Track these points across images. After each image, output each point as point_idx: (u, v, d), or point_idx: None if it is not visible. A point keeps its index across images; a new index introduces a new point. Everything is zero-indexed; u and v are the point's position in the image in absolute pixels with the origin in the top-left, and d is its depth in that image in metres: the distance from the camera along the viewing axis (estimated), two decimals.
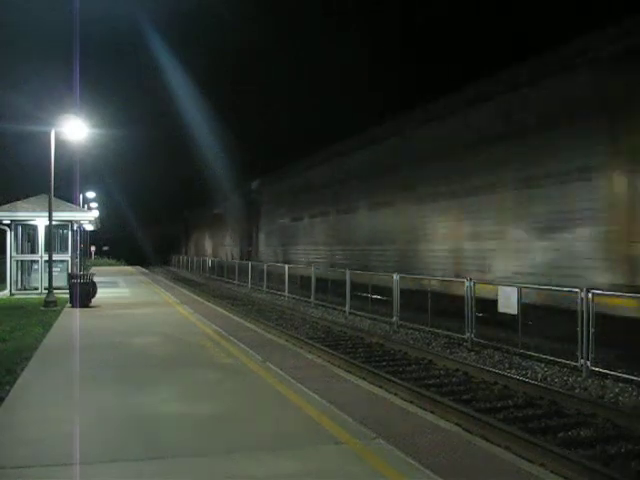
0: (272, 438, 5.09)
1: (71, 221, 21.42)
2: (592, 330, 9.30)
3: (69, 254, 21.48)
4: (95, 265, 46.66)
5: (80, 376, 7.36)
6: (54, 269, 17.68)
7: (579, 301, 9.58)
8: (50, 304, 15.74)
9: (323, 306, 19.45)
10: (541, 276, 11.94)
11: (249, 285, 28.61)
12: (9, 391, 6.71)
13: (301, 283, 22.57)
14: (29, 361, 8.38)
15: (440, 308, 13.45)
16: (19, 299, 18.46)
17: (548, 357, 10.10)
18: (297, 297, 21.95)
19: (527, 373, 9.69)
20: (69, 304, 15.73)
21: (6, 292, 19.77)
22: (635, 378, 8.67)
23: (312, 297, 20.47)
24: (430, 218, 16.31)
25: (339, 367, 9.49)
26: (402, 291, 14.61)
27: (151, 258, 62.67)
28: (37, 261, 20.48)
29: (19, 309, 15.48)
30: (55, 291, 16.49)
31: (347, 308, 17.53)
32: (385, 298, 15.80)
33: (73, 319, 13.26)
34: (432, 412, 6.92)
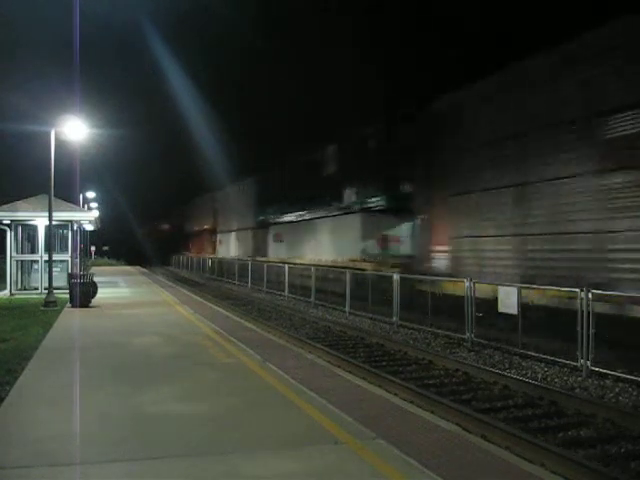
0: (272, 438, 5.09)
1: (71, 221, 21.40)
2: (592, 330, 9.32)
3: (69, 254, 21.47)
4: (95, 265, 46.66)
5: (80, 376, 7.36)
6: (54, 269, 17.67)
7: (579, 301, 9.61)
8: (50, 304, 15.74)
9: (323, 306, 19.46)
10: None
11: (249, 285, 28.72)
12: (9, 391, 6.71)
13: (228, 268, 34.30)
14: (29, 361, 8.38)
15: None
16: (19, 299, 18.45)
17: (548, 357, 10.11)
18: (297, 297, 22.00)
19: (527, 373, 9.69)
20: (69, 304, 15.74)
21: (6, 292, 19.78)
22: (635, 378, 8.69)
23: (312, 297, 20.50)
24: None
25: (339, 367, 9.49)
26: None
27: (151, 258, 62.67)
28: (37, 261, 20.48)
29: (19, 309, 15.49)
30: (55, 291, 16.49)
31: (347, 308, 17.55)
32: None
33: (73, 319, 13.27)
34: (432, 412, 6.92)
